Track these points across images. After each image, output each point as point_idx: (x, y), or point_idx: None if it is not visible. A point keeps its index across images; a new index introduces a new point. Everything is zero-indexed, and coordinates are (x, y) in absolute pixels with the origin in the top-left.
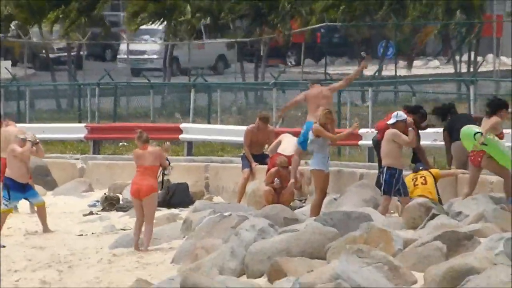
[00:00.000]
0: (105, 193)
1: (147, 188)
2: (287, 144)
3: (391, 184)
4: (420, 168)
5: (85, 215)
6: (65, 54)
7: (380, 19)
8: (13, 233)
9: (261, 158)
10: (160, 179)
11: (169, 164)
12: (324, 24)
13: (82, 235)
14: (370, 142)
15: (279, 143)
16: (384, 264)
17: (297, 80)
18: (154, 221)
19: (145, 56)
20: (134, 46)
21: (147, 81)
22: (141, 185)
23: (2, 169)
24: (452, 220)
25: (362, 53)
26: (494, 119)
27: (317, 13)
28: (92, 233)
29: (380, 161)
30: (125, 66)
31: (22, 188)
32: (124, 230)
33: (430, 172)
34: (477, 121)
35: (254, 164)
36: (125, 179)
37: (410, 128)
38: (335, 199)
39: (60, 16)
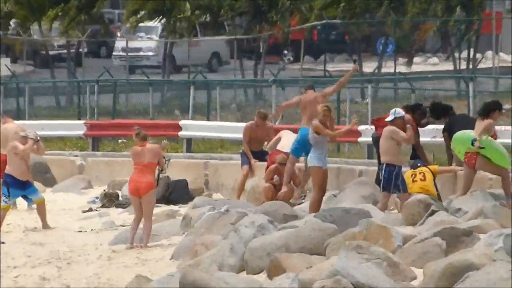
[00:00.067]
0: (104, 190)
1: (146, 185)
2: (287, 141)
3: (390, 181)
4: (419, 164)
5: (84, 211)
6: (65, 51)
7: (379, 16)
8: (12, 229)
9: (260, 155)
10: (156, 177)
11: (169, 160)
12: (324, 21)
13: (81, 231)
14: (369, 139)
15: (279, 139)
16: (384, 260)
17: (297, 77)
18: (153, 217)
19: (141, 54)
20: (129, 44)
21: (146, 78)
22: (140, 183)
23: (2, 166)
24: (451, 216)
25: (354, 59)
26: (487, 121)
27: (317, 10)
28: (92, 230)
29: (379, 158)
30: (121, 63)
31: (21, 185)
32: (124, 226)
33: (429, 168)
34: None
35: (253, 161)
36: (124, 176)
37: (408, 125)
38: (334, 195)
39: (60, 13)
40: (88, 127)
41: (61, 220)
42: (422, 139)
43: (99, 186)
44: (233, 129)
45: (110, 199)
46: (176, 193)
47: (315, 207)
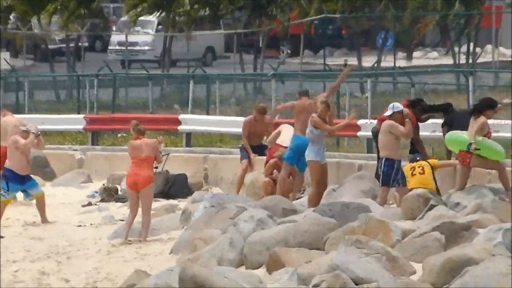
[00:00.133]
0: (103, 184)
1: (144, 179)
2: (286, 135)
3: (389, 176)
4: (418, 158)
5: (83, 206)
6: (64, 45)
7: (379, 10)
8: (11, 223)
9: (259, 149)
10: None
11: (168, 154)
12: (324, 15)
13: (80, 226)
14: (369, 133)
15: (278, 133)
16: (383, 254)
17: (296, 71)
18: (153, 212)
19: (137, 48)
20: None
21: (146, 72)
22: (138, 177)
23: (2, 158)
24: (450, 211)
25: (345, 61)
26: (481, 119)
27: (316, 3)
28: (91, 224)
29: (379, 152)
30: (116, 57)
31: (21, 180)
32: (123, 220)
33: (428, 162)
34: None
35: (252, 155)
36: (123, 170)
37: (407, 119)
38: (333, 190)
39: (59, 7)
40: (88, 121)
41: (60, 214)
42: (421, 133)
43: (98, 180)
44: (232, 123)
45: (109, 193)
46: (176, 187)
47: (314, 201)
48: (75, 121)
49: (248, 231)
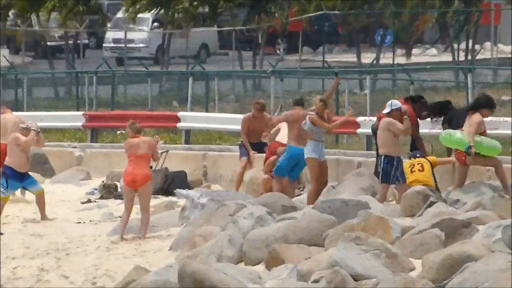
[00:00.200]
0: (103, 181)
1: (143, 177)
2: (286, 132)
3: (389, 173)
4: (417, 155)
5: (83, 203)
6: (63, 42)
7: (378, 7)
8: (11, 220)
9: (259, 147)
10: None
11: (167, 152)
12: (322, 12)
13: (80, 222)
14: (368, 131)
15: (278, 130)
16: (382, 251)
17: (295, 68)
18: (152, 209)
19: (133, 45)
20: (121, 35)
21: (145, 69)
22: (136, 175)
23: (2, 155)
24: (450, 207)
25: (335, 72)
26: (478, 118)
27: (315, 1)
28: (90, 221)
29: (378, 149)
30: (111, 54)
31: (20, 177)
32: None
33: (427, 159)
34: None
35: (252, 152)
36: (122, 167)
37: (405, 116)
38: (333, 187)
39: (57, 4)
40: (87, 118)
41: (59, 211)
42: (420, 130)
43: (97, 178)
44: (231, 121)
45: (108, 190)
46: (175, 184)
47: (312, 199)
48: (74, 118)
49: (247, 228)
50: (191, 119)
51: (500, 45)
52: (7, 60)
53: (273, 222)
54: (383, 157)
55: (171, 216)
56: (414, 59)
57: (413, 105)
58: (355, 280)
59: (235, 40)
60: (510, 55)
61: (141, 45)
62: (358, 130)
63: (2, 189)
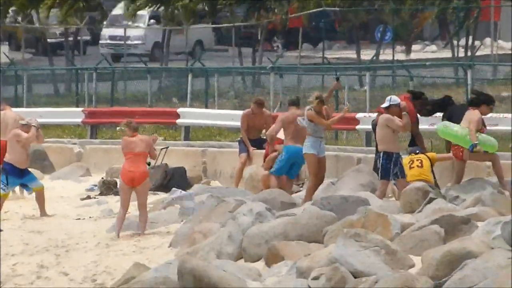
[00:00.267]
0: (102, 178)
1: (141, 175)
2: None
3: (388, 169)
4: (417, 151)
5: (82, 199)
6: (63, 39)
7: (378, 4)
8: (10, 217)
9: (258, 143)
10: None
11: (167, 148)
12: (322, 8)
13: (79, 219)
14: (367, 127)
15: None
16: (382, 248)
17: (295, 64)
18: (151, 205)
19: (128, 42)
20: (117, 32)
21: (144, 66)
22: (135, 173)
23: (2, 152)
24: (449, 204)
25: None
26: (477, 115)
27: None
28: (90, 217)
29: (378, 145)
30: (108, 51)
31: (20, 174)
32: None
33: (426, 155)
34: None
35: (251, 148)
36: (122, 164)
37: (404, 112)
38: (332, 183)
39: (57, 0)
40: (86, 114)
41: (59, 207)
42: (420, 126)
43: (97, 174)
44: (231, 117)
45: (108, 187)
46: (174, 180)
47: (310, 194)
48: (73, 115)
49: (247, 224)
50: (191, 115)
51: (499, 41)
52: (7, 57)
53: (272, 218)
54: (382, 153)
55: (170, 212)
56: (413, 56)
57: (414, 102)
58: (355, 277)
59: (234, 37)
60: (509, 51)
61: (137, 42)
62: (358, 126)
63: (2, 186)
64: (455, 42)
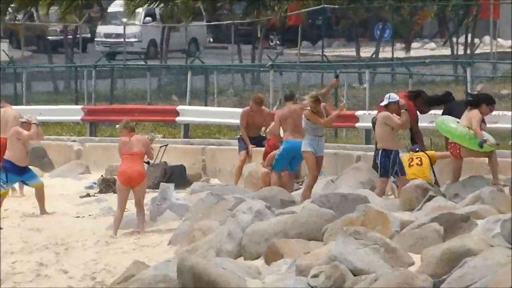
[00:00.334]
0: (102, 175)
1: (138, 175)
2: None
3: (387, 167)
4: (417, 149)
5: (82, 197)
6: (62, 37)
7: (377, 1)
8: (10, 215)
9: (257, 141)
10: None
11: (166, 146)
12: (321, 6)
13: (79, 217)
14: (367, 124)
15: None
16: (381, 246)
17: (294, 62)
18: (149, 203)
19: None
20: (112, 29)
21: (144, 63)
22: (132, 173)
23: (2, 149)
24: (449, 202)
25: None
26: (478, 114)
27: None
28: (89, 215)
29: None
30: (104, 49)
31: (20, 171)
32: None
33: (426, 153)
34: None
35: (250, 146)
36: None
37: (403, 110)
38: (332, 181)
39: None
40: (86, 112)
41: (58, 205)
42: (420, 124)
43: (96, 171)
44: (230, 114)
45: (107, 185)
46: (174, 178)
47: (306, 193)
48: (73, 112)
49: (246, 222)
50: (190, 113)
51: (499, 39)
52: (7, 54)
53: (272, 216)
54: (380, 151)
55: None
56: (413, 53)
57: (414, 100)
58: (354, 275)
59: (234, 34)
60: (509, 49)
61: (132, 39)
62: (357, 124)
63: (1, 183)
64: (454, 40)
